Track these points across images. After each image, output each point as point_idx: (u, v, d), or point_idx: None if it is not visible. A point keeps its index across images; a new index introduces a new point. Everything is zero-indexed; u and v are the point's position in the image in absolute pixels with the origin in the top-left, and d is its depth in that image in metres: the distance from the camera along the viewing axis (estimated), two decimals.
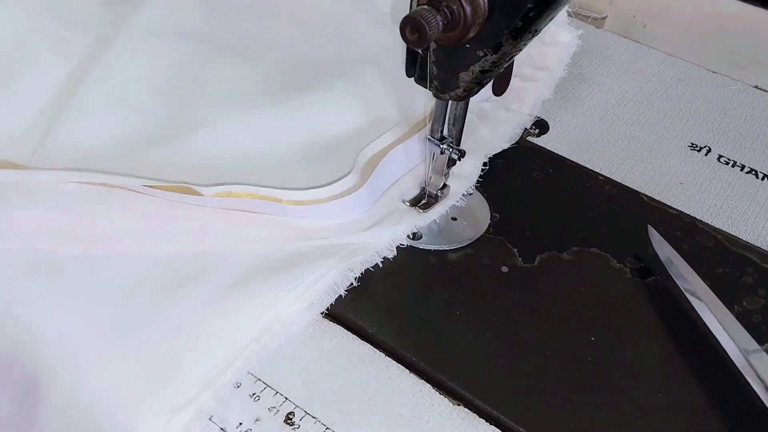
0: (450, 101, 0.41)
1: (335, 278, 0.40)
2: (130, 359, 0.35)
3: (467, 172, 0.47)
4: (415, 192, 0.46)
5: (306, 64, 0.53)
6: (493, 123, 0.50)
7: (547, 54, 0.52)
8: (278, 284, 0.39)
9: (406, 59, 0.39)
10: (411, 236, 0.44)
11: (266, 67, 0.52)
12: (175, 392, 0.34)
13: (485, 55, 0.35)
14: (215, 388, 0.35)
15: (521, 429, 0.35)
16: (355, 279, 0.40)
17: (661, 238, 0.43)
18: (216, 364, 0.35)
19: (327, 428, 0.35)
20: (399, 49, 0.53)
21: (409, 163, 0.47)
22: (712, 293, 0.40)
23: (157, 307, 0.37)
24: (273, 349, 0.37)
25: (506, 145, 0.50)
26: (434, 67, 0.37)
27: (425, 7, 0.31)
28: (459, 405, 0.36)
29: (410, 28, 0.31)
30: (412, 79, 0.40)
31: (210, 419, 0.34)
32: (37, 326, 0.37)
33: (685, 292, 0.41)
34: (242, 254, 0.40)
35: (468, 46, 0.35)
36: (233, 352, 0.36)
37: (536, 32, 0.35)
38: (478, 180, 0.47)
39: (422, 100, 0.50)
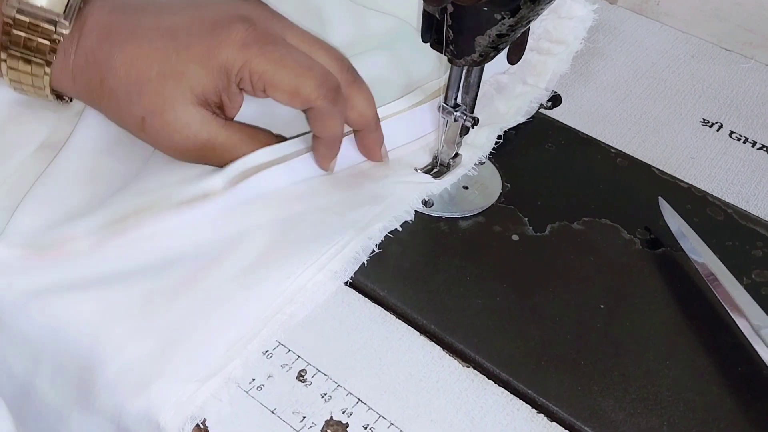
0: (465, 68, 0.41)
1: (356, 248, 0.40)
2: (160, 332, 0.35)
3: (481, 143, 0.47)
4: (427, 161, 0.46)
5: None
6: (509, 96, 0.50)
7: (563, 28, 0.52)
8: (301, 257, 0.39)
9: (423, 24, 0.39)
10: (423, 203, 0.44)
11: None
12: (203, 362, 0.34)
13: (503, 18, 0.35)
14: (243, 357, 0.35)
15: (530, 391, 0.36)
16: (376, 246, 0.40)
17: (672, 209, 0.43)
18: (243, 335, 0.36)
19: (338, 385, 0.35)
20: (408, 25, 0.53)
21: (416, 131, 0.47)
22: (722, 265, 0.40)
23: (184, 285, 0.37)
24: (300, 318, 0.37)
25: (522, 119, 0.50)
26: (451, 31, 0.37)
27: None
28: (468, 367, 0.37)
29: None
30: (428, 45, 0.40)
31: None
32: (69, 304, 0.37)
33: (694, 264, 0.41)
34: (263, 231, 0.40)
35: (486, 9, 0.35)
36: (259, 322, 0.36)
37: None
38: (491, 151, 0.47)
39: (432, 70, 0.51)
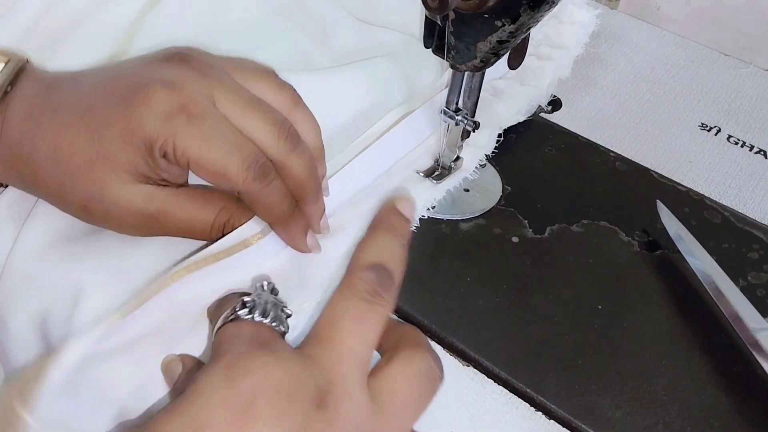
0: (465, 73, 0.42)
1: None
2: None
3: (482, 143, 0.47)
4: (429, 164, 0.47)
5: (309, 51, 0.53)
6: (506, 98, 0.51)
7: (564, 33, 0.53)
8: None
9: (424, 30, 0.40)
10: None
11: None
12: None
13: (503, 25, 0.36)
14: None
15: (528, 390, 0.37)
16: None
17: (669, 212, 0.44)
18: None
19: None
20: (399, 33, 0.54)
21: (417, 136, 0.48)
22: (719, 267, 0.41)
23: None
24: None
25: (522, 118, 0.50)
26: (452, 38, 0.38)
27: None
28: (468, 366, 0.38)
29: None
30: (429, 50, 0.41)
31: None
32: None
33: (691, 266, 0.42)
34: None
35: (486, 15, 0.35)
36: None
37: (553, 3, 0.36)
38: (492, 152, 0.48)
39: (434, 78, 0.51)
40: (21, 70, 0.37)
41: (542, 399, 0.36)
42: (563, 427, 0.36)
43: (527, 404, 0.36)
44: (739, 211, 0.47)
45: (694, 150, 0.52)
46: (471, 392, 0.36)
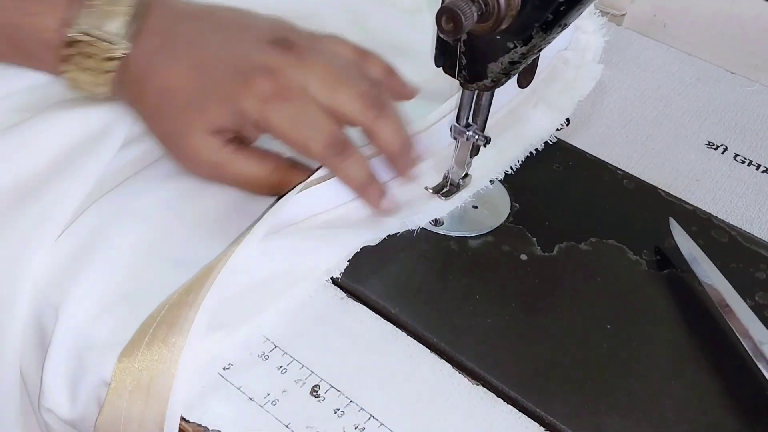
0: (476, 92, 0.42)
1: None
2: None
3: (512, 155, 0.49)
4: (437, 180, 0.47)
5: None
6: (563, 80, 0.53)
7: (580, 40, 0.54)
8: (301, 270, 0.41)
9: (436, 49, 0.40)
10: (433, 222, 0.45)
11: None
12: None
13: (515, 46, 0.36)
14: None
15: (537, 409, 0.37)
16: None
17: (682, 230, 0.44)
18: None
19: (351, 401, 0.36)
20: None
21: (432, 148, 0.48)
22: (730, 285, 0.41)
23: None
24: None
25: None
26: (464, 58, 0.38)
27: None
28: (478, 385, 0.38)
29: (446, 17, 0.32)
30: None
31: (239, 389, 0.36)
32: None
33: (704, 286, 0.42)
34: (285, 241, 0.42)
35: (499, 37, 0.36)
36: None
37: (565, 26, 0.36)
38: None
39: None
40: (149, 2, 0.43)
41: (551, 418, 0.36)
42: None
43: (536, 423, 0.36)
44: (747, 230, 0.48)
45: (701, 168, 0.52)
46: (480, 411, 0.36)
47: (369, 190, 0.44)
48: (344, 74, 0.43)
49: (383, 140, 0.43)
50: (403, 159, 0.44)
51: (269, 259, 0.41)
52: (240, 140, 0.43)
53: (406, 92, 0.48)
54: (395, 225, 0.44)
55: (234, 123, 0.42)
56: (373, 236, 0.43)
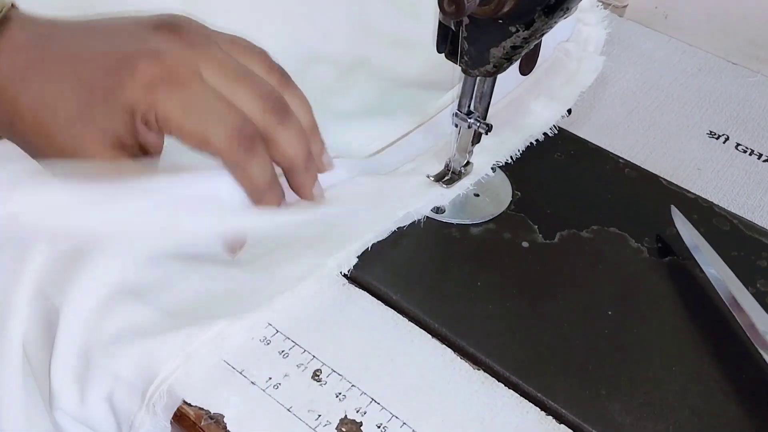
0: (478, 78, 0.42)
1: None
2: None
3: (512, 144, 0.48)
4: (439, 168, 0.47)
5: (318, 55, 0.53)
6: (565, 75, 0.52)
7: (582, 32, 0.54)
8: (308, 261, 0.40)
9: (438, 35, 0.40)
10: (434, 210, 0.45)
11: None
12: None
13: (517, 30, 0.36)
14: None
15: (539, 394, 0.37)
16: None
17: (683, 218, 0.44)
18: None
19: (352, 385, 0.36)
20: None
21: (426, 143, 0.48)
22: (731, 272, 0.41)
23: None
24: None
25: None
26: (465, 43, 0.38)
27: None
28: (479, 370, 0.38)
29: (448, 0, 0.32)
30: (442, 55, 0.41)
31: (241, 373, 0.36)
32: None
33: (704, 272, 0.42)
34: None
35: (501, 21, 0.36)
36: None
37: (567, 10, 0.36)
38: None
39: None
40: (6, 18, 0.36)
41: (553, 403, 0.36)
42: (573, 431, 0.36)
43: (538, 408, 0.36)
44: (748, 218, 0.48)
45: (702, 158, 0.53)
46: (482, 396, 0.36)
47: (268, 195, 0.37)
48: (243, 70, 0.37)
49: (283, 151, 0.37)
50: (304, 176, 0.39)
51: (279, 254, 0.40)
52: (145, 152, 0.37)
53: (322, 162, 0.40)
54: (401, 217, 0.44)
55: (127, 126, 0.35)
56: (382, 229, 0.42)
